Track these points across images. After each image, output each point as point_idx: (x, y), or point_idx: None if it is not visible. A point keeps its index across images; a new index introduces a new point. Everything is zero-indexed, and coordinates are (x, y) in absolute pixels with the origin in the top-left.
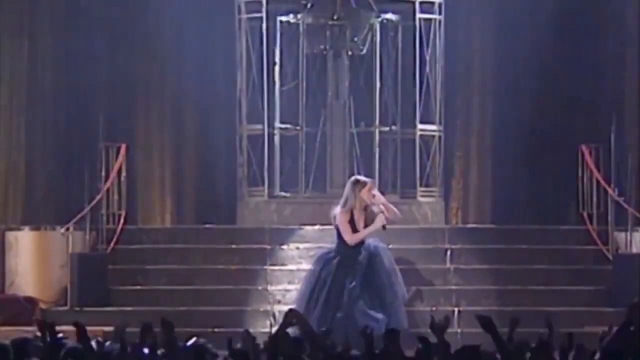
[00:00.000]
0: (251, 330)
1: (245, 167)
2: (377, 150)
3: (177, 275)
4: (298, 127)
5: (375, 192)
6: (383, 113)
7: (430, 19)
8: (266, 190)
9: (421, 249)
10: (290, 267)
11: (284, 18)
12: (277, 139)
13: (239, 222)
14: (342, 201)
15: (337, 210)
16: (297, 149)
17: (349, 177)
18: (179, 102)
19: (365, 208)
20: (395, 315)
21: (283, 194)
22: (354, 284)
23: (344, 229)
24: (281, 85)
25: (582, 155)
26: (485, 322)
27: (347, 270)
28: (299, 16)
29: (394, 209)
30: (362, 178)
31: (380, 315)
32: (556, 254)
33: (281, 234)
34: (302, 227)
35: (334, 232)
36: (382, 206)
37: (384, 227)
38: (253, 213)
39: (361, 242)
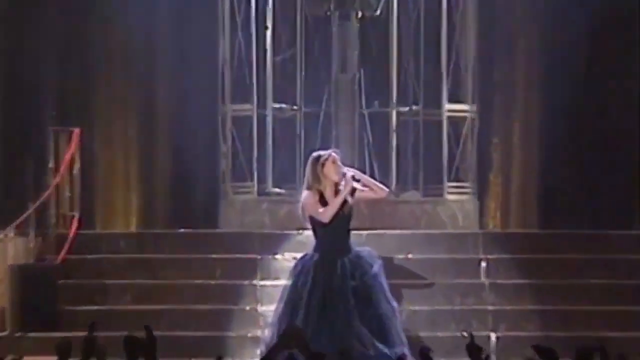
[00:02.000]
0: None
1: (229, 157)
2: (394, 136)
3: (145, 292)
4: (295, 107)
5: (348, 170)
6: (401, 89)
7: None
8: (256, 186)
9: (449, 259)
10: (285, 282)
11: None
12: (269, 121)
13: (222, 226)
14: (305, 184)
15: (302, 195)
16: (294, 135)
17: (359, 170)
18: (148, 76)
19: (336, 186)
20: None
21: (277, 190)
22: (345, 297)
23: (313, 209)
24: (274, 54)
25: None
26: (546, 352)
27: (330, 273)
28: None
29: (379, 184)
30: (321, 152)
31: (385, 350)
32: (616, 265)
33: (275, 240)
34: (301, 231)
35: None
36: (357, 184)
37: (353, 191)
38: (239, 214)
39: (343, 248)
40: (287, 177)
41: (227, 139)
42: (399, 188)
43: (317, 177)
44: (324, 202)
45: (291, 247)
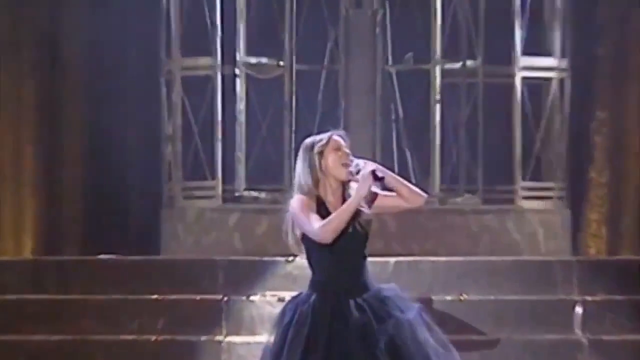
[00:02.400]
0: None
1: (177, 142)
2: (436, 109)
3: (46, 354)
4: (282, 64)
5: (364, 164)
6: (449, 35)
7: None
8: (220, 188)
9: (525, 301)
10: (266, 338)
11: None
12: (240, 85)
13: (167, 251)
14: (295, 185)
15: (291, 202)
16: (280, 106)
17: (382, 164)
18: (53, 16)
19: (345, 188)
20: None
21: (254, 194)
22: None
23: (307, 224)
24: None
25: None
26: None
27: (339, 325)
28: None
29: (412, 186)
30: (319, 136)
31: None
32: None
33: (249, 272)
34: (290, 258)
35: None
36: (377, 187)
37: (372, 196)
38: (194, 232)
39: (356, 285)
40: (269, 174)
41: (174, 112)
42: (445, 191)
43: (313, 175)
44: (325, 212)
45: (276, 284)
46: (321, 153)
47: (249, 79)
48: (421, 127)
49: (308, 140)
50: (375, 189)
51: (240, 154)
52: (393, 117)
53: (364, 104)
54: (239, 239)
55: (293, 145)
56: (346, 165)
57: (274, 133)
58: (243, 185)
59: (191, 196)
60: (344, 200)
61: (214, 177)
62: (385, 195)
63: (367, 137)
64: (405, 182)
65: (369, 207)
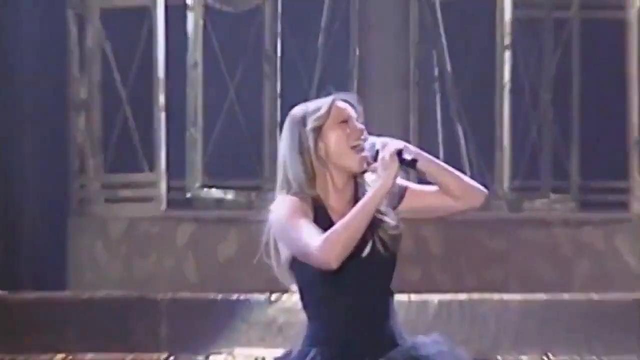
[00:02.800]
0: None
1: (96, 111)
2: (504, 59)
3: None
4: None
5: (384, 143)
6: None
7: None
8: (162, 184)
9: None
10: None
11: None
12: (194, 22)
13: (76, 283)
14: (279, 180)
15: (274, 206)
16: (257, 55)
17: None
18: None
19: (355, 180)
20: None
21: (215, 194)
22: None
23: (292, 233)
24: None
25: None
26: None
27: None
28: None
29: (465, 177)
30: (315, 102)
31: None
32: None
33: (208, 316)
34: (275, 296)
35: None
36: (406, 180)
37: (400, 192)
38: (121, 254)
39: (377, 334)
40: (240, 164)
41: (89, 65)
42: (517, 190)
43: (306, 164)
44: (325, 223)
45: (251, 337)
46: (319, 129)
47: (208, 12)
48: (480, 88)
49: (297, 110)
50: (403, 180)
51: (195, 132)
52: (436, 72)
53: (389, 51)
54: (192, 266)
55: (278, 117)
56: (359, 148)
57: (247, 99)
58: (199, 181)
59: (117, 198)
60: (355, 202)
61: (152, 168)
62: (421, 191)
63: (395, 104)
64: (452, 170)
65: (394, 209)
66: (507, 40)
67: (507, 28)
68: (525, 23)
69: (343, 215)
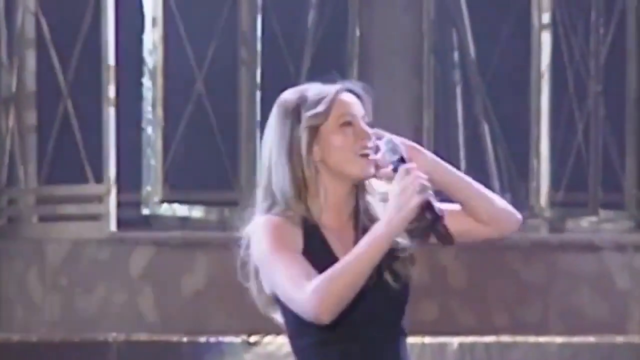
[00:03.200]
0: None
1: (29, 107)
2: (540, 43)
3: None
4: None
5: (400, 143)
6: None
7: None
8: (112, 199)
9: None
10: None
11: None
12: None
13: (4, 321)
14: (260, 191)
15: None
16: (232, 32)
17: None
18: None
19: (357, 189)
20: None
21: (178, 211)
22: None
23: (274, 269)
24: None
25: None
26: None
27: None
28: None
29: (495, 197)
30: (313, 88)
31: None
32: None
33: None
34: (254, 338)
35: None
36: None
37: (432, 217)
38: (61, 285)
39: None
40: (209, 172)
41: (19, 47)
42: (559, 206)
43: (295, 172)
44: (319, 249)
45: None
46: (315, 129)
47: None
48: (512, 78)
49: (290, 98)
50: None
51: (153, 133)
52: (456, 57)
53: (398, 31)
54: (150, 301)
55: (257, 114)
56: (366, 153)
57: (219, 91)
58: (158, 195)
59: (55, 216)
60: (356, 218)
61: (99, 179)
62: (444, 211)
63: (405, 97)
64: (479, 186)
65: (417, 237)
66: (545, 18)
67: (546, 2)
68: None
69: (341, 238)
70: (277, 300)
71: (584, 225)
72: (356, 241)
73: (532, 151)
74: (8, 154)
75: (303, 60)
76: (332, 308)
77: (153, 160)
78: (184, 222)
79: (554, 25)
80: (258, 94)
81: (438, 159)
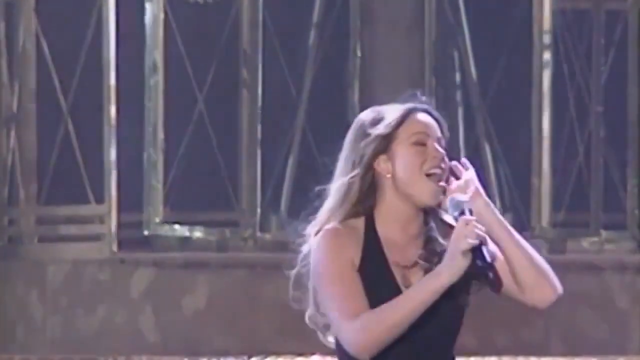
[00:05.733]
0: None
1: (29, 125)
2: (543, 61)
3: None
4: None
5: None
6: None
7: None
8: (112, 219)
9: None
10: None
11: None
12: (155, 9)
13: (5, 342)
14: (328, 207)
15: (313, 240)
16: (232, 48)
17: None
18: None
19: (426, 210)
20: None
21: (179, 231)
22: None
23: (331, 298)
24: None
25: None
26: None
27: None
28: None
29: (541, 262)
30: (388, 108)
31: None
32: None
33: None
34: (256, 358)
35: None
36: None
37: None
38: (61, 307)
39: None
40: (211, 192)
41: (20, 65)
42: (559, 223)
43: (362, 177)
44: (378, 265)
45: None
46: (384, 140)
47: (171, 1)
48: (513, 99)
49: (366, 113)
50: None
51: (154, 153)
52: (457, 78)
53: (399, 51)
54: (151, 322)
55: (258, 134)
56: (437, 177)
57: (220, 111)
58: (159, 216)
59: (55, 236)
60: (426, 240)
61: (100, 199)
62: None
63: None
64: (528, 246)
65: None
66: (546, 39)
67: (547, 23)
68: (569, 17)
69: (403, 251)
70: (319, 323)
71: (585, 246)
72: (421, 264)
73: (533, 171)
74: (9, 174)
75: (304, 81)
76: (374, 348)
77: (154, 180)
78: (185, 242)
79: (555, 45)
80: (259, 114)
81: (495, 209)
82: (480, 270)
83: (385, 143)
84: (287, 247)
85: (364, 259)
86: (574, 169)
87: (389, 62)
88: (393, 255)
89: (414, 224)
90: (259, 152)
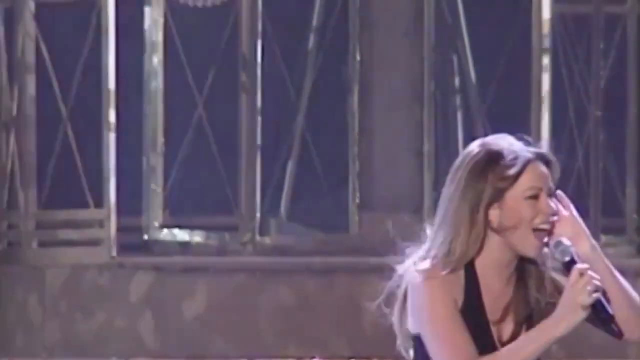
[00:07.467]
0: None
1: (29, 128)
2: (542, 65)
3: None
4: None
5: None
6: None
7: None
8: (112, 224)
9: None
10: None
11: None
12: (153, 15)
13: (4, 347)
14: (435, 232)
15: (417, 278)
16: (232, 55)
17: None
18: None
19: (522, 261)
20: None
21: (180, 236)
22: None
23: (438, 345)
24: None
25: None
26: None
27: None
28: None
29: (637, 300)
30: (508, 147)
31: None
32: None
33: None
34: None
35: None
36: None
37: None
38: (60, 312)
39: None
40: (209, 199)
41: (18, 70)
42: None
43: (476, 223)
44: (474, 306)
45: None
46: (501, 191)
47: (171, 6)
48: (513, 103)
49: (478, 152)
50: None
51: (154, 158)
52: (457, 83)
53: (398, 56)
54: (151, 326)
55: (258, 139)
56: (545, 232)
57: (220, 116)
58: (159, 220)
59: (55, 241)
60: (518, 283)
61: (100, 204)
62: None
63: (405, 123)
64: (626, 285)
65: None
66: (546, 43)
67: (546, 27)
68: (569, 21)
69: (498, 296)
70: (415, 342)
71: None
72: (513, 308)
73: None
74: (8, 179)
75: (304, 85)
76: None
77: (153, 185)
78: (185, 247)
79: (555, 49)
80: (259, 119)
81: (605, 260)
82: (603, 322)
83: (500, 193)
84: (287, 252)
85: (464, 308)
86: (573, 174)
87: (389, 67)
88: (488, 301)
89: (509, 268)
90: (258, 156)
